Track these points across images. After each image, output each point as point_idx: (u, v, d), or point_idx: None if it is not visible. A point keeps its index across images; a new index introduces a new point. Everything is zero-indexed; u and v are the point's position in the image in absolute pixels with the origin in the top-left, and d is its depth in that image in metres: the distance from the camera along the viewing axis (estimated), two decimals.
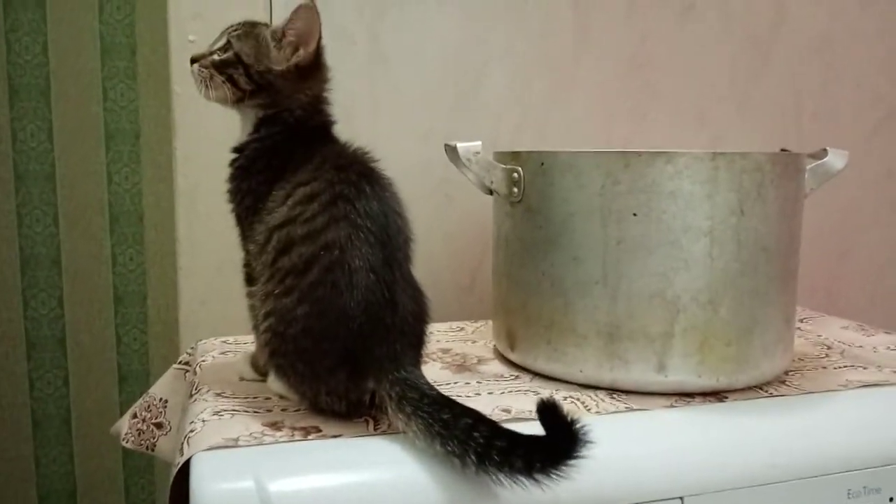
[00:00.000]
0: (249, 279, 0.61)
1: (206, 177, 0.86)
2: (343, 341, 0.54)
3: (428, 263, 0.99)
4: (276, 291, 0.56)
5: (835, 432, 0.58)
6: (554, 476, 0.46)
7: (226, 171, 0.64)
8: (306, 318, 0.54)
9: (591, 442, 0.46)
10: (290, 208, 0.57)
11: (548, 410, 0.48)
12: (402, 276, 0.57)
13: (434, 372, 0.69)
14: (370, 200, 0.56)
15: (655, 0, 1.02)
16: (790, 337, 0.67)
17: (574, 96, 1.00)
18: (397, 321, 0.56)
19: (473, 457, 0.48)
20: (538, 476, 0.46)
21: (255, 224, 0.59)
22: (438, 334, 0.81)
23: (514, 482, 0.47)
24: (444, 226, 0.97)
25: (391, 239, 0.57)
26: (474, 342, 0.78)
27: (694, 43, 1.04)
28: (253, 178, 0.61)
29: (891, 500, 0.58)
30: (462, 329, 0.83)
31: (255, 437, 0.53)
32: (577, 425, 0.47)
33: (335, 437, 0.54)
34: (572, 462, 0.46)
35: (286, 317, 0.55)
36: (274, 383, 0.60)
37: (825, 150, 0.69)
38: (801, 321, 0.85)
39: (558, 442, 0.47)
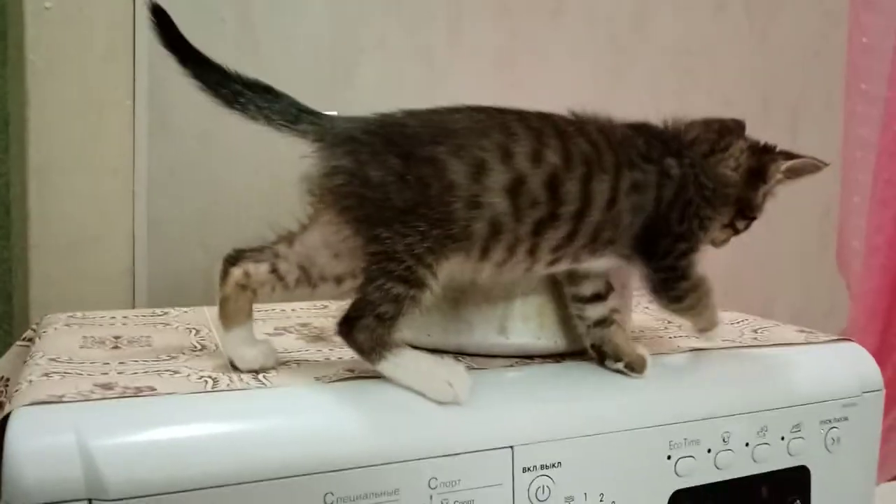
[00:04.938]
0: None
1: (61, 152, 0.84)
2: None
3: None
4: None
5: (660, 389, 0.62)
6: None
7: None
8: None
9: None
10: None
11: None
12: None
13: (288, 342, 0.69)
14: None
15: (525, 1, 1.07)
16: (628, 305, 0.71)
17: (446, 91, 1.03)
18: None
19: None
20: None
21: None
22: (300, 311, 0.81)
23: None
24: None
25: None
26: (335, 318, 0.79)
27: (561, 45, 1.10)
28: None
29: (709, 450, 0.62)
30: (326, 307, 0.83)
31: (83, 395, 0.52)
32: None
33: (169, 394, 0.53)
34: None
35: None
36: None
37: None
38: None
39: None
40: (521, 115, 0.59)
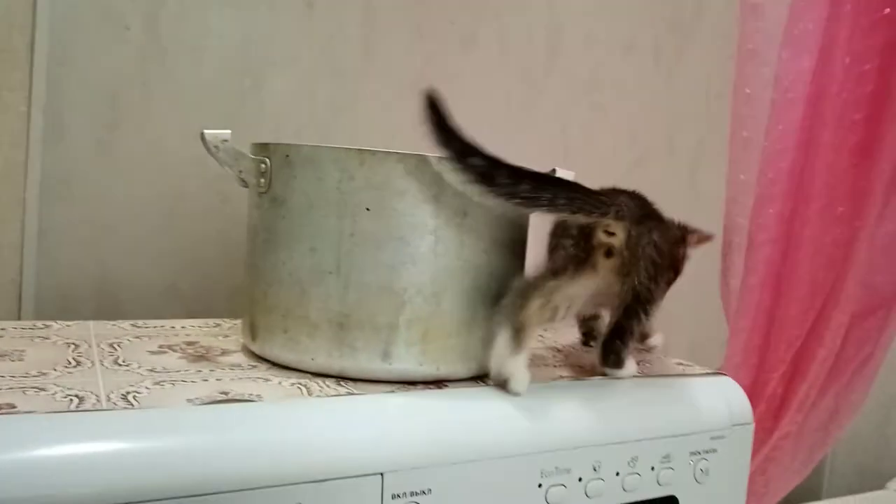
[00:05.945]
0: None
1: None
2: None
3: (199, 263, 0.98)
4: None
5: (532, 417, 0.64)
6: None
7: None
8: None
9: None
10: None
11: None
12: None
13: (170, 361, 0.67)
14: None
15: (439, 28, 1.09)
16: None
17: (358, 110, 1.04)
18: None
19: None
20: None
21: None
22: (189, 329, 0.79)
23: None
24: (217, 224, 0.96)
25: None
26: (226, 337, 0.78)
27: (474, 73, 1.12)
28: None
29: (580, 479, 0.64)
30: (218, 325, 0.82)
31: None
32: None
33: (28, 412, 0.51)
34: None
35: None
36: None
37: (554, 169, 0.76)
38: (545, 330, 0.92)
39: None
40: None
